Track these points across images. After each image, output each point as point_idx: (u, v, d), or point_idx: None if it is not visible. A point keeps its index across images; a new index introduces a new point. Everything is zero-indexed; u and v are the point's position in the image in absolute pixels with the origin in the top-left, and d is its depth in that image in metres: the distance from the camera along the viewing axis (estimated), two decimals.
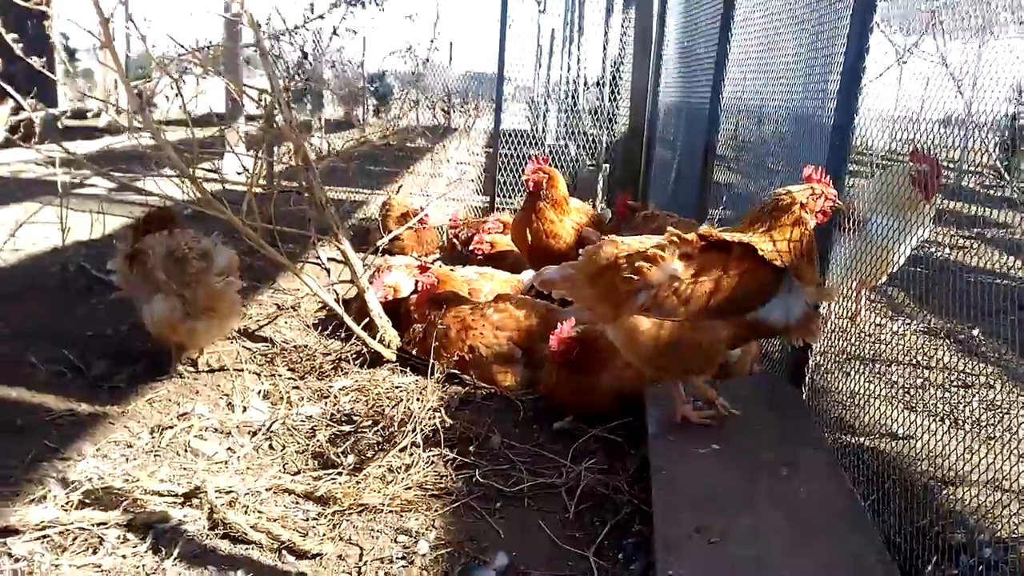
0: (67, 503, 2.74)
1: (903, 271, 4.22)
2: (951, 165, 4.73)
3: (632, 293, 2.94)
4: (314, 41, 4.29)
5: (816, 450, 3.00)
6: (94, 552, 2.57)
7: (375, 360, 4.29)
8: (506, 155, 8.75)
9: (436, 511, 2.91)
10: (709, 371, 3.11)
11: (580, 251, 3.21)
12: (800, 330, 3.03)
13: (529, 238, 5.51)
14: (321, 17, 3.59)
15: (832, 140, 3.51)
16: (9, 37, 3.69)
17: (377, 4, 3.48)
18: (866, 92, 3.44)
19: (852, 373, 3.57)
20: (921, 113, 3.44)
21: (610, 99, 8.79)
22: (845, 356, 3.67)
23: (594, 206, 8.43)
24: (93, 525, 2.64)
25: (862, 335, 3.92)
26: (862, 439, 3.38)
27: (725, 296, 2.89)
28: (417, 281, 4.71)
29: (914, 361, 4.46)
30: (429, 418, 3.40)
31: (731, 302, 2.90)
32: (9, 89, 3.95)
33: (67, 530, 2.63)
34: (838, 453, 3.22)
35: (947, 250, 4.46)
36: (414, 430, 3.26)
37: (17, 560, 2.49)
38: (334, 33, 3.66)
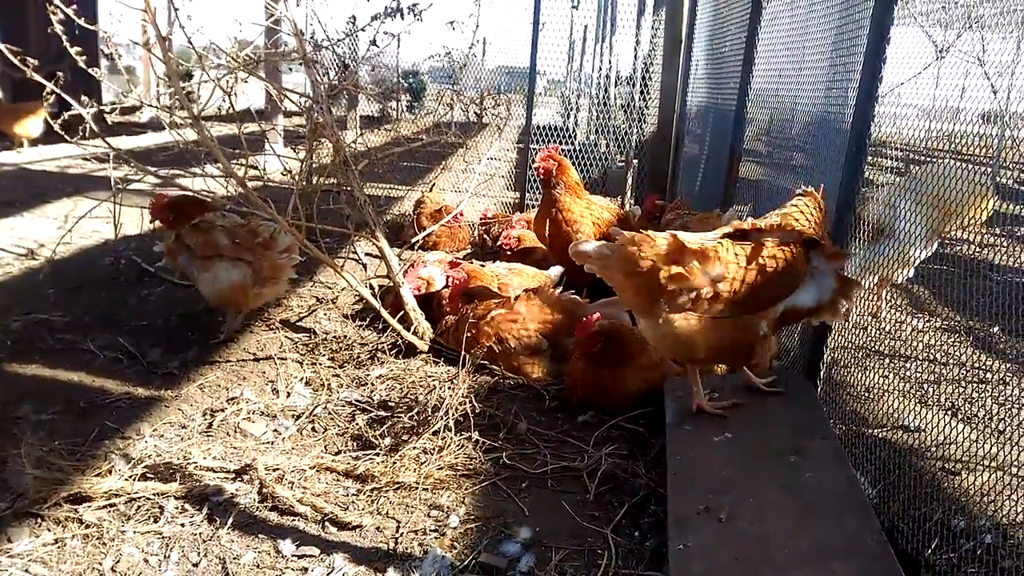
0: (131, 476, 3.00)
1: (926, 268, 4.34)
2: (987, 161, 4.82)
3: (674, 294, 3.10)
4: (351, 47, 4.46)
5: (825, 440, 3.16)
6: (155, 521, 2.83)
7: (409, 350, 4.52)
8: (537, 151, 8.90)
9: (466, 489, 3.14)
10: (751, 360, 3.34)
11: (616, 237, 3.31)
12: (828, 309, 3.27)
13: (548, 228, 5.58)
14: (362, 30, 3.80)
15: (850, 145, 3.65)
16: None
17: (416, 16, 3.66)
18: (885, 96, 3.57)
19: (868, 368, 3.72)
20: (960, 107, 3.57)
21: (641, 96, 8.92)
22: (863, 352, 3.82)
23: (623, 203, 8.60)
24: (155, 495, 2.91)
25: (881, 332, 4.06)
26: (873, 431, 3.53)
27: (763, 289, 3.12)
28: (448, 276, 4.93)
29: (931, 357, 4.58)
30: (460, 405, 3.61)
31: (767, 296, 3.14)
32: (56, 90, 4.19)
33: (131, 500, 2.89)
34: (848, 444, 3.37)
35: (974, 248, 4.59)
36: (446, 415, 3.48)
37: (88, 526, 2.76)
38: (373, 43, 3.86)
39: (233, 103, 4.02)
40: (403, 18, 3.71)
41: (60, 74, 4.19)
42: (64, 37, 3.94)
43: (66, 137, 4.15)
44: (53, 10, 3.75)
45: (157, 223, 4.59)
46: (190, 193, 4.55)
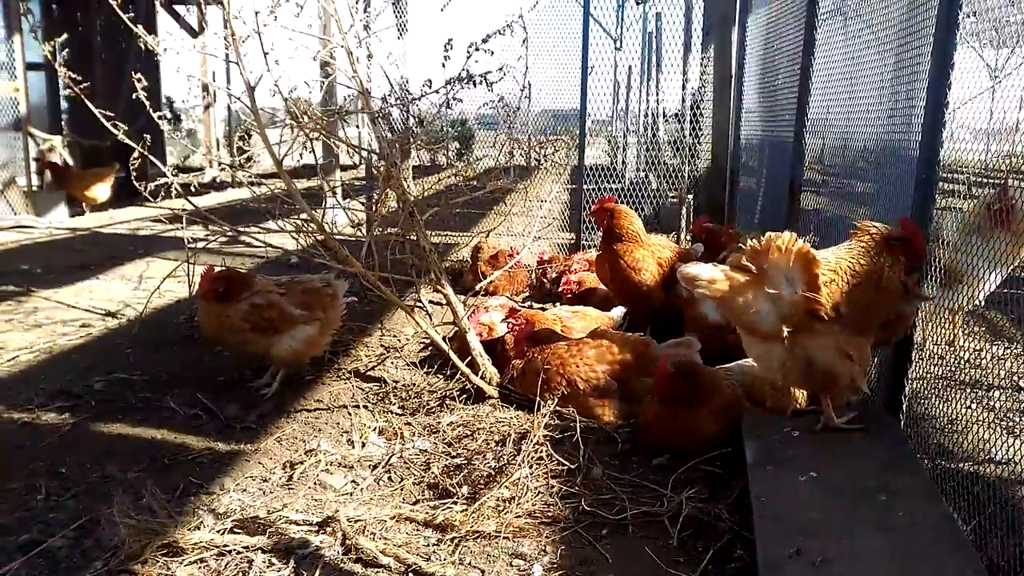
0: (220, 530, 3.06)
1: (1000, 293, 4.22)
2: None
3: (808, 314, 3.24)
4: (405, 104, 4.55)
5: (914, 476, 3.07)
6: (245, 575, 2.87)
7: (478, 396, 4.54)
8: (588, 191, 8.96)
9: (547, 537, 3.12)
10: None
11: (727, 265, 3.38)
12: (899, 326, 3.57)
13: (610, 272, 5.66)
14: (436, 91, 3.93)
15: (918, 173, 3.59)
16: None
17: (488, 85, 3.79)
18: (952, 121, 3.53)
19: (950, 399, 3.61)
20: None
21: (691, 132, 8.92)
22: (943, 383, 3.71)
23: (678, 239, 8.56)
24: (244, 548, 2.96)
25: (960, 361, 3.95)
26: (962, 464, 3.42)
27: (880, 311, 3.41)
28: (508, 323, 4.96)
29: (1015, 385, 4.43)
30: (535, 451, 3.61)
31: (878, 314, 3.42)
32: (145, 152, 4.37)
33: (221, 554, 2.95)
34: (937, 479, 3.27)
35: None
36: (522, 462, 3.48)
37: None
38: (446, 105, 3.99)
39: (315, 155, 4.22)
40: (475, 86, 3.85)
41: (147, 136, 4.37)
42: (147, 102, 4.11)
43: (148, 198, 4.34)
44: (137, 78, 3.95)
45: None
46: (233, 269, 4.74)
